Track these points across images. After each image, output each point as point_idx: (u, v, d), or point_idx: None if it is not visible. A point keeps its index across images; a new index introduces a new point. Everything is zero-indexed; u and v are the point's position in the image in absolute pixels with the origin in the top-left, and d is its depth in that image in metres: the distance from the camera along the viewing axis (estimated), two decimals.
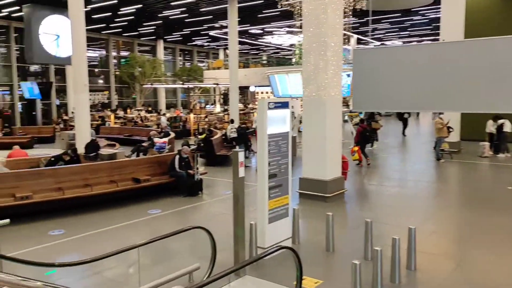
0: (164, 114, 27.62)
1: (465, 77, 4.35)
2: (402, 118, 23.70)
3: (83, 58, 15.18)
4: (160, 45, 41.56)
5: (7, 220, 5.26)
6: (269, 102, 6.45)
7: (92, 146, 12.48)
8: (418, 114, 39.34)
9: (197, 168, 10.79)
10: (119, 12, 27.11)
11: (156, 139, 13.67)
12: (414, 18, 31.45)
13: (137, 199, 9.98)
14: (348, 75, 17.80)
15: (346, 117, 20.32)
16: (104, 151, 12.66)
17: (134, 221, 8.62)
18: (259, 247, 6.47)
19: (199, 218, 8.91)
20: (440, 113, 15.81)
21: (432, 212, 9.42)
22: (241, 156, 5.90)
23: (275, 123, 6.59)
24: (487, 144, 16.29)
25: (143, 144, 15.04)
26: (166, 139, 13.86)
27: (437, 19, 21.05)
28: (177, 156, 10.75)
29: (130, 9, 26.05)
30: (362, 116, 24.51)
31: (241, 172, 5.88)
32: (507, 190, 11.00)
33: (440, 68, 4.31)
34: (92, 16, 26.79)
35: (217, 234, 6.27)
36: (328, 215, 6.82)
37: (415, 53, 4.50)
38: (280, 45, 44.04)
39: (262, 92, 39.55)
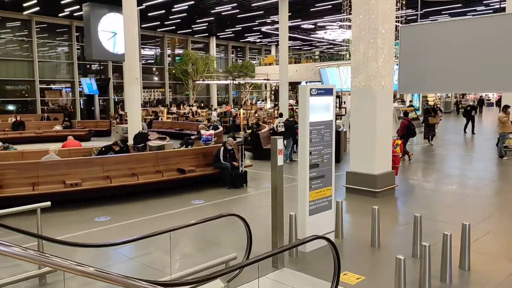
0: (215, 109, 27.90)
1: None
2: (469, 115, 21.74)
3: (135, 53, 15.61)
4: (213, 42, 42.08)
5: (48, 203, 5.37)
6: (312, 88, 6.16)
7: (140, 137, 12.75)
8: (481, 110, 36.97)
9: (242, 160, 10.68)
10: (172, 9, 27.67)
11: (203, 131, 13.73)
12: (478, 8, 29.58)
13: (181, 190, 10.03)
14: None
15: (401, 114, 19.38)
16: (153, 142, 12.88)
17: (177, 211, 8.65)
18: (299, 239, 6.22)
19: (241, 210, 8.74)
20: (505, 107, 14.67)
21: (490, 212, 8.69)
22: (279, 144, 5.66)
23: (318, 110, 6.30)
24: None
25: (192, 137, 15.20)
26: (212, 132, 13.89)
27: (503, 9, 19.60)
28: (222, 148, 10.69)
29: (183, 5, 26.48)
30: (419, 113, 23.39)
31: (280, 160, 5.65)
32: None
33: (497, 43, 3.83)
34: (148, 14, 27.55)
35: (257, 226, 6.13)
36: (373, 208, 6.44)
37: (468, 27, 4.06)
38: (333, 40, 43.10)
39: None
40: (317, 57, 42.81)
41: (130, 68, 15.98)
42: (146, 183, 9.49)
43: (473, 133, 21.13)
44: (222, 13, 29.21)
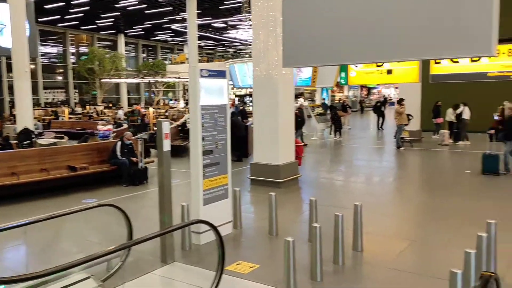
0: (121, 108, 26.51)
1: (399, 23, 3.69)
2: (379, 111, 22.55)
3: (23, 44, 14.17)
4: (121, 40, 40.20)
5: None
6: (202, 70, 5.78)
7: (25, 134, 11.49)
8: (385, 108, 39.25)
9: (142, 156, 10.01)
10: (72, 2, 25.84)
11: (100, 127, 12.76)
12: None
13: (73, 189, 9.12)
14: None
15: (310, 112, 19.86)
16: (44, 140, 11.68)
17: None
18: (194, 231, 5.80)
19: (137, 207, 8.15)
20: (400, 100, 15.55)
21: (386, 196, 9.00)
22: (165, 127, 5.19)
23: (210, 93, 5.93)
24: (446, 132, 16.17)
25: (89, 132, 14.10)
26: (110, 127, 12.97)
27: None
28: (119, 143, 9.92)
29: None
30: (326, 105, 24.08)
31: (166, 145, 5.19)
32: (465, 174, 10.74)
33: (387, 11, 3.68)
34: (44, 7, 25.43)
35: (153, 223, 5.63)
36: (271, 195, 6.22)
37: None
38: (246, 40, 43.47)
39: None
40: (230, 56, 42.83)
41: (18, 61, 14.47)
42: (28, 183, 8.45)
43: (381, 128, 22.05)
44: (128, 8, 27.91)
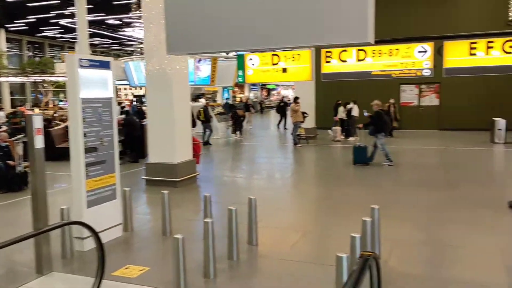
0: (2, 108, 23.87)
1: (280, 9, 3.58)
2: (283, 111, 22.73)
3: None
4: (1, 35, 36.31)
5: None
6: (81, 59, 5.28)
7: None
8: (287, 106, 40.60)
9: (20, 159, 9.00)
10: None
11: None
12: None
13: None
14: (209, 63, 17.25)
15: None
16: None
17: None
18: (77, 237, 5.27)
19: (13, 216, 7.28)
20: (295, 98, 16.09)
21: (281, 190, 9.18)
22: (37, 121, 4.62)
23: (93, 86, 5.45)
24: (338, 128, 17.11)
25: None
26: None
27: None
28: None
29: None
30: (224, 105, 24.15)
31: (39, 142, 4.61)
32: (353, 167, 11.38)
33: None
34: None
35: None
36: (163, 193, 5.90)
37: None
38: (142, 38, 41.96)
39: (125, 88, 37.41)
40: (127, 54, 41.09)
41: None
42: None
43: (286, 128, 22.31)
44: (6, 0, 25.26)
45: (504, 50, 10.04)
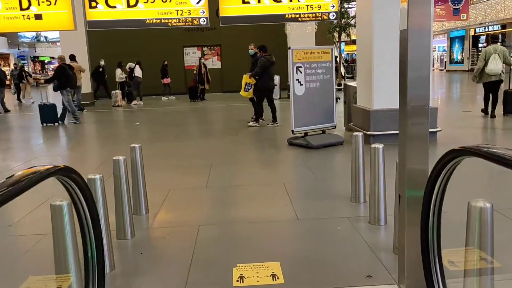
0: None
1: None
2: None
3: None
4: None
5: None
6: None
7: None
8: None
9: None
10: None
11: None
12: None
13: None
14: None
15: None
16: None
17: None
18: None
19: None
20: (72, 57, 13.66)
21: None
22: None
23: None
24: (119, 92, 15.32)
25: None
26: None
27: None
28: None
29: None
30: None
31: None
32: (135, 126, 10.16)
33: None
34: None
35: None
36: None
37: None
38: None
39: None
40: None
41: None
42: None
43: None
44: None
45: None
